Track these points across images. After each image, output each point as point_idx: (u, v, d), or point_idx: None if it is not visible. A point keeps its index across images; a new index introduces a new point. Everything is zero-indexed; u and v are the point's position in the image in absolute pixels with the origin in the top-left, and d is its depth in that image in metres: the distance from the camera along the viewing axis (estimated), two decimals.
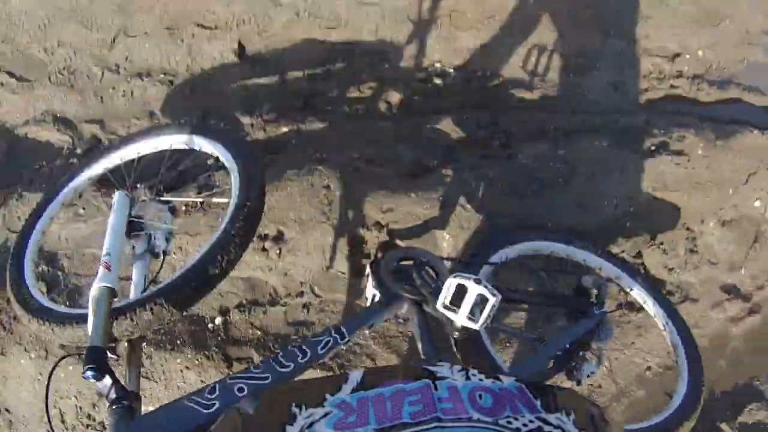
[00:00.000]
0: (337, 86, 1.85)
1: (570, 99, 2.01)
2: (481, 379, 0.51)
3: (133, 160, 1.38)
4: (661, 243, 1.81)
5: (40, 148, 2.04)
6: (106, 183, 1.53)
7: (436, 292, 0.91)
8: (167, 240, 1.20)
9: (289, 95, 1.81)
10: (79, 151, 1.95)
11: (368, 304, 1.05)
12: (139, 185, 1.31)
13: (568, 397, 0.51)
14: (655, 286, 1.50)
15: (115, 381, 0.79)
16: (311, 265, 1.52)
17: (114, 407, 0.77)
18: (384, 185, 1.53)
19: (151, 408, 0.89)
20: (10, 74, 2.18)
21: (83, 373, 0.77)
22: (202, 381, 1.41)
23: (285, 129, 1.70)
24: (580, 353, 1.10)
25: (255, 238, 1.49)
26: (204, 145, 1.22)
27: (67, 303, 1.51)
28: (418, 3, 1.85)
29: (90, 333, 0.88)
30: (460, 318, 0.88)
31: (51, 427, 0.89)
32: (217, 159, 1.22)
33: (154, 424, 0.77)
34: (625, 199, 1.77)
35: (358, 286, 1.43)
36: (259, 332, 1.47)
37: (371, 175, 1.54)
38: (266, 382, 0.73)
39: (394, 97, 1.80)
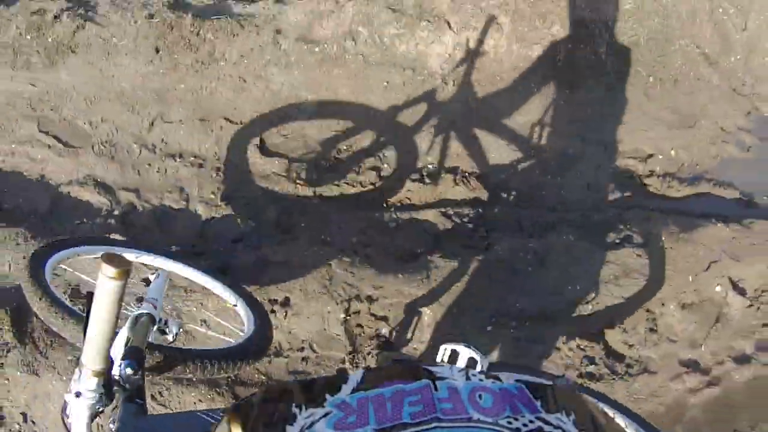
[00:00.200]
0: (342, 179, 2.45)
1: (547, 197, 2.54)
2: (481, 380, 0.56)
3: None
4: (622, 323, 2.30)
5: (81, 206, 2.56)
6: None
7: None
8: (178, 327, 1.51)
9: (300, 184, 2.42)
10: (116, 212, 2.53)
11: None
12: None
13: (568, 397, 0.56)
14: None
15: (143, 381, 0.95)
16: (311, 327, 2.02)
17: (129, 403, 0.91)
18: (377, 266, 2.07)
19: None
20: (58, 139, 2.80)
21: (125, 365, 0.94)
22: None
23: (296, 213, 2.28)
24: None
25: (266, 301, 2.01)
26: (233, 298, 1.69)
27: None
28: (414, 112, 2.51)
29: (131, 338, 1.12)
30: None
31: None
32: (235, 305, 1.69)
33: (163, 424, 0.92)
34: (589, 285, 2.30)
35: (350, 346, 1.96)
36: (263, 377, 1.95)
37: (367, 257, 2.09)
38: None
39: (391, 191, 2.40)
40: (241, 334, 1.58)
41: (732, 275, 2.46)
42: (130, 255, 1.57)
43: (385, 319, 1.89)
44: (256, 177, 2.32)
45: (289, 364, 1.92)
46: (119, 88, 2.79)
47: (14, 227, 2.33)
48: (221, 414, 0.73)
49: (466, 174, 2.34)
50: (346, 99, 2.52)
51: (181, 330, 1.52)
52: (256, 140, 2.37)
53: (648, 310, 2.20)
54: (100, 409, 0.92)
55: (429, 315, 1.88)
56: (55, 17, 3.04)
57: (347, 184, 2.33)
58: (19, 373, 1.98)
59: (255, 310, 1.60)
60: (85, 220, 2.40)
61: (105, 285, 0.85)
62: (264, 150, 2.37)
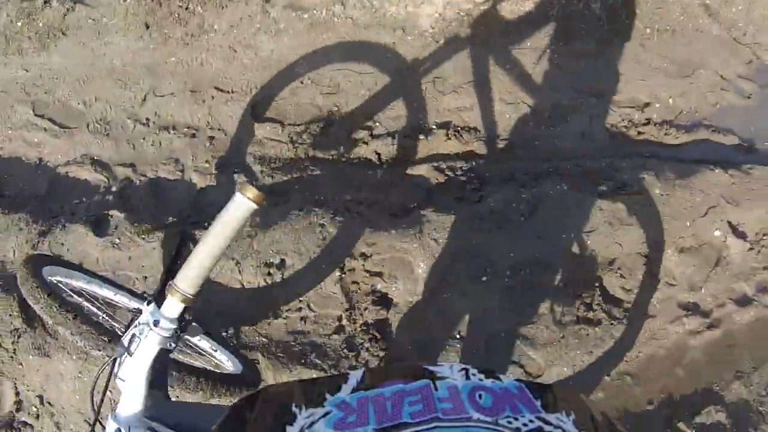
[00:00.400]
0: (334, 140, 2.49)
1: (541, 148, 2.60)
2: (481, 379, 0.57)
3: None
4: (619, 268, 2.34)
5: (79, 185, 2.69)
6: None
7: None
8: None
9: (293, 147, 2.47)
10: (113, 189, 2.61)
11: None
12: None
13: (568, 397, 0.57)
14: None
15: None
16: (308, 286, 2.10)
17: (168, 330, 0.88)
18: (370, 223, 2.13)
19: None
20: (53, 121, 2.90)
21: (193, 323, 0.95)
22: None
23: (289, 176, 2.35)
24: None
25: (262, 265, 2.09)
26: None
27: None
28: (405, 71, 2.55)
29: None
30: None
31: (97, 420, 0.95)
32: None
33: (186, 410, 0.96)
34: (582, 233, 2.34)
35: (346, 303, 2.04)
36: (264, 339, 2.04)
37: (360, 214, 2.15)
38: None
39: (384, 149, 2.45)
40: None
41: (731, 219, 2.51)
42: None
43: (379, 274, 1.95)
44: (249, 143, 2.38)
45: (288, 324, 2.00)
46: (111, 65, 2.86)
47: (16, 213, 2.43)
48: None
49: (459, 128, 2.38)
50: (336, 62, 2.56)
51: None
52: (249, 106, 2.43)
53: (645, 256, 2.24)
54: (171, 346, 0.90)
55: (422, 267, 1.94)
56: (45, 2, 3.12)
57: (340, 144, 2.38)
58: (31, 356, 2.09)
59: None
60: (83, 198, 2.49)
61: (240, 205, 0.84)
62: (256, 115, 2.42)
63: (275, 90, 2.47)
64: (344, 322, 1.99)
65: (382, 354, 1.97)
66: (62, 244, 2.22)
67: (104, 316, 1.65)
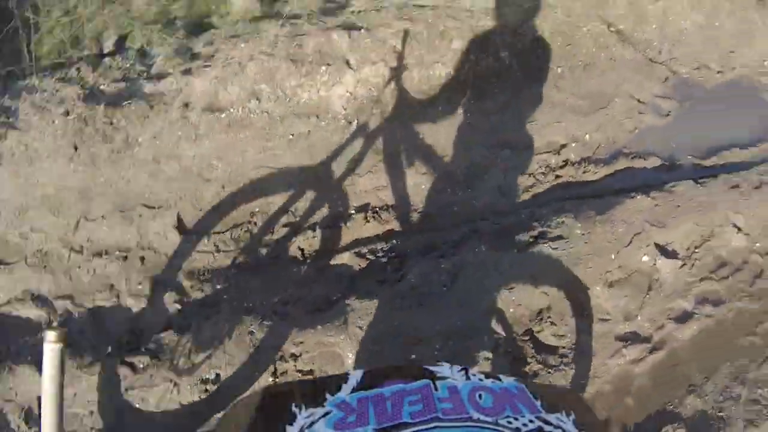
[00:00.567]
0: (258, 243, 2.64)
1: (459, 213, 2.79)
2: (481, 379, 0.60)
3: None
4: (549, 317, 2.46)
5: (22, 323, 2.82)
6: None
7: None
8: None
9: (220, 256, 2.60)
10: (54, 324, 2.72)
11: None
12: None
13: (568, 397, 0.61)
14: None
15: None
16: (243, 394, 2.19)
17: None
18: (296, 323, 2.24)
19: None
20: None
21: None
22: None
23: (218, 286, 2.47)
24: None
25: (198, 382, 2.18)
26: None
27: None
28: (322, 159, 2.71)
29: None
30: None
31: None
32: None
33: None
34: (506, 290, 2.44)
35: None
36: None
37: (286, 315, 2.26)
38: None
39: (306, 243, 2.62)
40: None
41: (659, 241, 2.74)
42: None
43: (311, 372, 2.05)
44: (178, 257, 2.50)
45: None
46: (44, 192, 3.01)
47: None
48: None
49: (377, 209, 2.53)
50: (254, 159, 2.72)
51: None
52: (175, 220, 2.56)
53: (573, 299, 2.38)
54: None
55: (351, 358, 2.04)
56: None
57: (264, 246, 2.51)
58: None
59: None
60: (28, 338, 2.59)
61: (50, 354, 1.01)
62: (182, 228, 2.55)
63: (198, 199, 2.61)
64: None
65: None
66: (11, 388, 2.30)
67: None
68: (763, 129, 3.97)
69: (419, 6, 3.00)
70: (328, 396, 0.57)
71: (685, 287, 2.66)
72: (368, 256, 2.40)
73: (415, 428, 0.50)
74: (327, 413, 0.53)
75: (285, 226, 2.60)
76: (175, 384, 2.18)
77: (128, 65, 3.27)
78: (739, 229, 3.12)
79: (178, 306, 2.35)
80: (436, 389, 0.56)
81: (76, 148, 3.22)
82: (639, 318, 2.47)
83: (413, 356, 2.24)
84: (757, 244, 3.13)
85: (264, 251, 2.63)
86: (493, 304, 2.28)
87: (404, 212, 2.68)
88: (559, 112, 3.16)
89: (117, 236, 2.72)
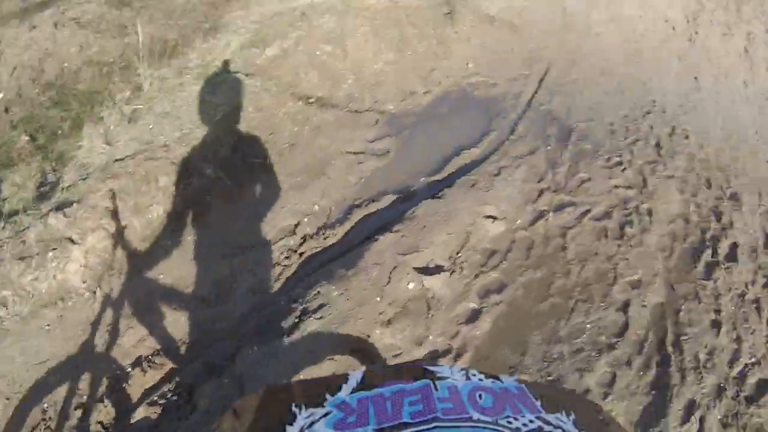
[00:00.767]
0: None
1: (223, 326, 3.48)
2: (481, 379, 0.74)
3: None
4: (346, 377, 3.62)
5: None
6: None
7: None
8: None
9: None
10: None
11: None
12: None
13: (568, 397, 0.77)
14: None
15: None
16: None
17: None
18: None
19: None
20: None
21: None
22: None
23: None
24: None
25: None
26: None
27: None
28: (82, 341, 3.67)
29: None
30: None
31: None
32: None
33: None
34: (294, 374, 3.10)
35: None
36: None
37: None
38: None
39: (102, 415, 3.11)
40: None
41: (417, 265, 3.80)
42: None
43: None
44: None
45: None
46: None
47: None
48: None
49: (149, 357, 3.57)
50: (23, 363, 3.48)
51: None
52: None
53: (357, 351, 3.07)
54: None
55: None
56: None
57: None
58: None
59: None
60: None
61: None
62: None
63: None
64: None
65: None
66: None
67: None
68: (483, 123, 5.44)
69: (119, 160, 4.23)
70: (328, 396, 0.70)
71: (464, 290, 3.56)
72: (160, 402, 2.92)
73: (415, 428, 0.62)
74: (327, 413, 0.66)
75: (77, 408, 3.16)
76: None
77: None
78: (494, 218, 4.42)
79: None
80: (436, 389, 0.69)
81: None
82: (430, 337, 3.20)
83: None
84: (518, 221, 4.44)
85: None
86: None
87: (174, 348, 3.42)
88: (282, 196, 4.19)
89: None
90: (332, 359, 3.26)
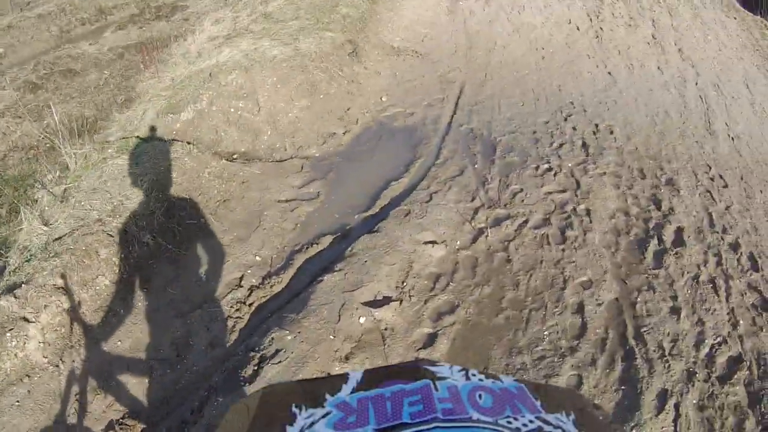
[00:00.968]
0: None
1: (186, 383, 4.12)
2: (481, 380, 0.78)
3: None
4: None
5: None
6: None
7: None
8: None
9: None
10: None
11: None
12: None
13: (568, 397, 0.80)
14: None
15: None
16: None
17: None
18: None
19: None
20: None
21: None
22: None
23: None
24: None
25: None
26: None
27: None
28: (50, 412, 4.32)
29: None
30: None
31: None
32: None
33: None
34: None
35: None
36: None
37: None
38: None
39: None
40: None
41: (364, 300, 4.47)
42: None
43: None
44: None
45: None
46: None
47: None
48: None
49: (120, 421, 4.27)
50: None
51: None
52: None
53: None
54: None
55: None
56: None
57: None
58: None
59: None
60: None
61: None
62: None
63: None
64: None
65: None
66: None
67: None
68: (407, 152, 6.30)
69: (58, 238, 4.92)
70: (327, 396, 0.75)
71: (416, 316, 4.07)
72: None
73: (415, 428, 0.67)
74: (327, 413, 0.71)
75: None
76: None
77: None
78: (434, 242, 5.13)
79: None
80: (436, 389, 0.74)
81: None
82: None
83: None
84: (458, 242, 5.16)
85: None
86: None
87: (143, 410, 3.98)
88: (223, 252, 4.88)
89: None
90: None
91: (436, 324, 4.22)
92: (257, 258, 5.14)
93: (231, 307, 4.74)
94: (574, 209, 5.59)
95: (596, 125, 7.13)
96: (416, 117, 7.02)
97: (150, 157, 5.45)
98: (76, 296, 4.57)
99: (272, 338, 4.09)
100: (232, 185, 5.53)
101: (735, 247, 5.33)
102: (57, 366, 4.31)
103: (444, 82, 7.78)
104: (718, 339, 4.18)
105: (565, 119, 7.25)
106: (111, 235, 4.86)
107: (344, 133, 6.58)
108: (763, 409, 3.70)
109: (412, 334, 4.13)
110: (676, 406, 3.66)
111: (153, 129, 5.78)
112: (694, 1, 10.55)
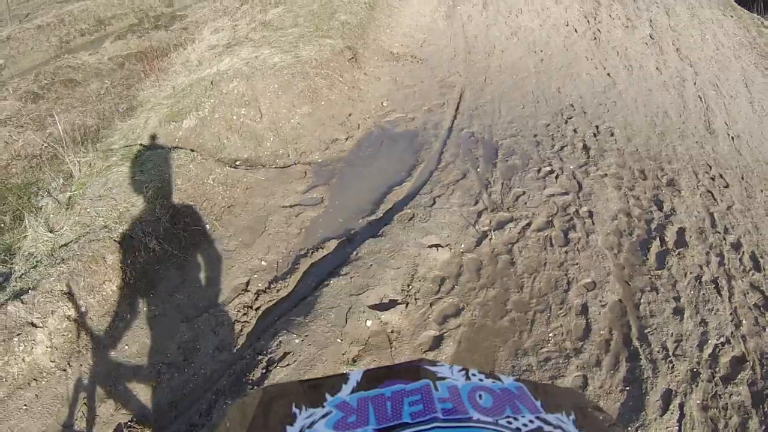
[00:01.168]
0: None
1: (195, 385, 4.16)
2: (481, 380, 0.79)
3: None
4: None
5: None
6: None
7: None
8: None
9: None
10: None
11: None
12: None
13: (569, 397, 0.81)
14: None
15: None
16: None
17: None
18: None
19: None
20: None
21: None
22: None
23: None
24: None
25: None
26: None
27: None
28: (59, 416, 4.34)
29: None
30: None
31: None
32: None
33: None
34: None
35: None
36: None
37: None
38: None
39: None
40: None
41: (370, 303, 4.51)
42: None
43: None
44: None
45: None
46: None
47: None
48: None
49: (129, 423, 4.32)
50: None
51: None
52: None
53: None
54: None
55: None
56: None
57: None
58: None
59: None
60: None
61: None
62: None
63: None
64: None
65: None
66: None
67: None
68: (409, 157, 6.35)
69: (64, 245, 4.94)
70: (328, 396, 0.76)
71: (422, 319, 4.09)
72: None
73: (415, 428, 0.68)
74: (327, 413, 0.73)
75: None
76: None
77: None
78: (438, 246, 5.16)
79: None
80: (436, 389, 0.75)
81: None
82: None
83: None
84: (462, 245, 5.18)
85: None
86: None
87: (151, 413, 4.00)
88: (229, 257, 4.92)
89: None
90: None
91: (442, 326, 4.23)
92: (263, 263, 5.16)
93: (238, 311, 4.76)
94: (577, 211, 5.62)
95: (596, 127, 7.18)
96: (417, 122, 7.07)
97: (154, 165, 5.49)
98: (83, 301, 4.60)
99: (280, 341, 4.11)
100: (236, 191, 5.57)
101: (737, 246, 5.36)
102: (64, 370, 4.33)
103: (444, 86, 7.84)
104: (722, 339, 4.20)
105: (566, 121, 7.30)
106: (117, 242, 4.90)
107: (346, 139, 6.63)
108: (766, 409, 3.73)
109: (419, 336, 4.15)
110: (681, 406, 3.68)
111: (156, 137, 5.83)
112: (691, 0, 10.61)
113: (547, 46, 9.02)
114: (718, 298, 4.57)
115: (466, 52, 8.68)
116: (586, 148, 6.65)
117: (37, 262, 4.66)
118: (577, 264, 4.86)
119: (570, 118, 7.29)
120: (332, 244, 5.35)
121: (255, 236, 5.35)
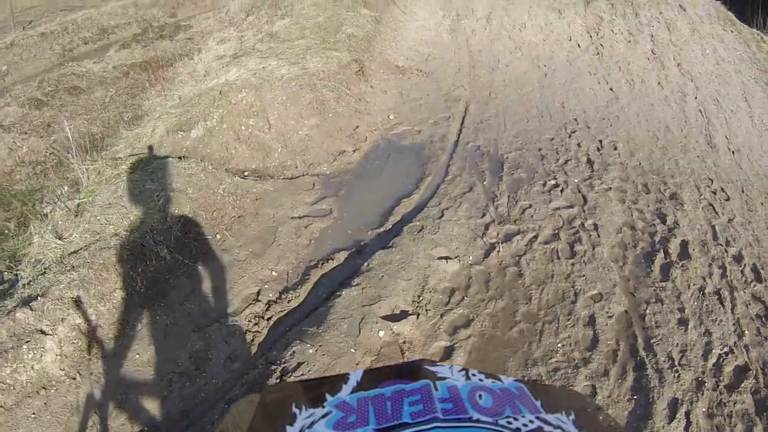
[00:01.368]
0: None
1: (207, 394, 4.20)
2: (481, 380, 0.80)
3: None
4: None
5: None
6: None
7: None
8: None
9: None
10: None
11: None
12: None
13: (568, 397, 0.84)
14: None
15: None
16: None
17: None
18: None
19: None
20: None
21: None
22: None
23: None
24: None
25: None
26: None
27: None
28: (72, 423, 4.37)
29: None
30: None
31: None
32: None
33: None
34: None
35: None
36: None
37: None
38: None
39: None
40: None
41: (382, 314, 4.50)
42: None
43: None
44: None
45: None
46: None
47: None
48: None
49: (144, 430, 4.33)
50: None
51: None
52: None
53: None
54: None
55: None
56: None
57: None
58: None
59: None
60: None
61: None
62: None
63: None
64: None
65: None
66: None
67: None
68: (416, 170, 6.36)
69: (74, 252, 4.95)
70: (328, 396, 0.78)
71: (433, 330, 4.10)
72: None
73: (415, 428, 0.68)
74: (327, 413, 0.74)
75: None
76: None
77: None
78: (447, 258, 5.16)
79: None
80: (436, 389, 0.76)
81: None
82: None
83: None
84: (471, 257, 5.20)
85: None
86: None
87: (162, 423, 4.00)
88: (239, 267, 4.93)
89: None
90: None
91: (453, 337, 4.25)
92: (273, 273, 5.18)
93: (249, 321, 4.76)
94: (582, 224, 5.67)
95: (600, 141, 7.23)
96: (424, 135, 7.12)
97: (164, 174, 5.51)
98: (93, 309, 4.61)
99: (294, 351, 4.12)
100: (246, 201, 5.59)
101: (738, 259, 5.41)
102: (74, 378, 4.33)
103: (449, 100, 7.89)
104: (725, 349, 4.25)
105: (570, 136, 7.35)
106: (128, 250, 4.91)
107: (354, 151, 6.66)
108: None
109: (430, 347, 4.17)
110: (687, 415, 3.72)
111: (163, 146, 5.85)
112: (692, 15, 10.70)
113: (550, 60, 9.08)
114: (721, 309, 4.64)
115: (471, 66, 8.75)
116: (590, 162, 6.69)
117: (45, 268, 4.66)
118: (583, 276, 4.90)
119: (574, 132, 7.35)
120: (342, 256, 5.35)
121: (265, 247, 5.35)
